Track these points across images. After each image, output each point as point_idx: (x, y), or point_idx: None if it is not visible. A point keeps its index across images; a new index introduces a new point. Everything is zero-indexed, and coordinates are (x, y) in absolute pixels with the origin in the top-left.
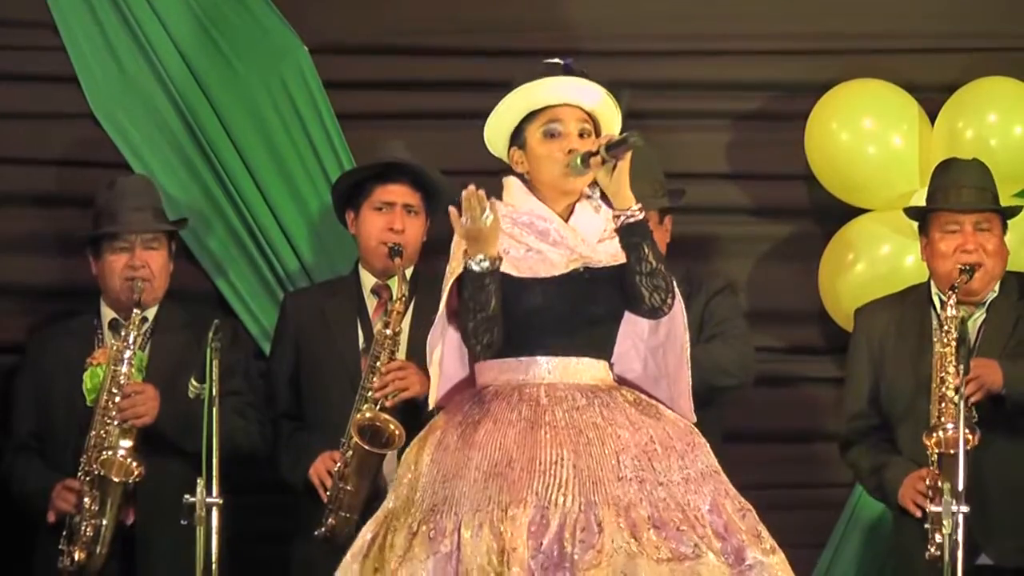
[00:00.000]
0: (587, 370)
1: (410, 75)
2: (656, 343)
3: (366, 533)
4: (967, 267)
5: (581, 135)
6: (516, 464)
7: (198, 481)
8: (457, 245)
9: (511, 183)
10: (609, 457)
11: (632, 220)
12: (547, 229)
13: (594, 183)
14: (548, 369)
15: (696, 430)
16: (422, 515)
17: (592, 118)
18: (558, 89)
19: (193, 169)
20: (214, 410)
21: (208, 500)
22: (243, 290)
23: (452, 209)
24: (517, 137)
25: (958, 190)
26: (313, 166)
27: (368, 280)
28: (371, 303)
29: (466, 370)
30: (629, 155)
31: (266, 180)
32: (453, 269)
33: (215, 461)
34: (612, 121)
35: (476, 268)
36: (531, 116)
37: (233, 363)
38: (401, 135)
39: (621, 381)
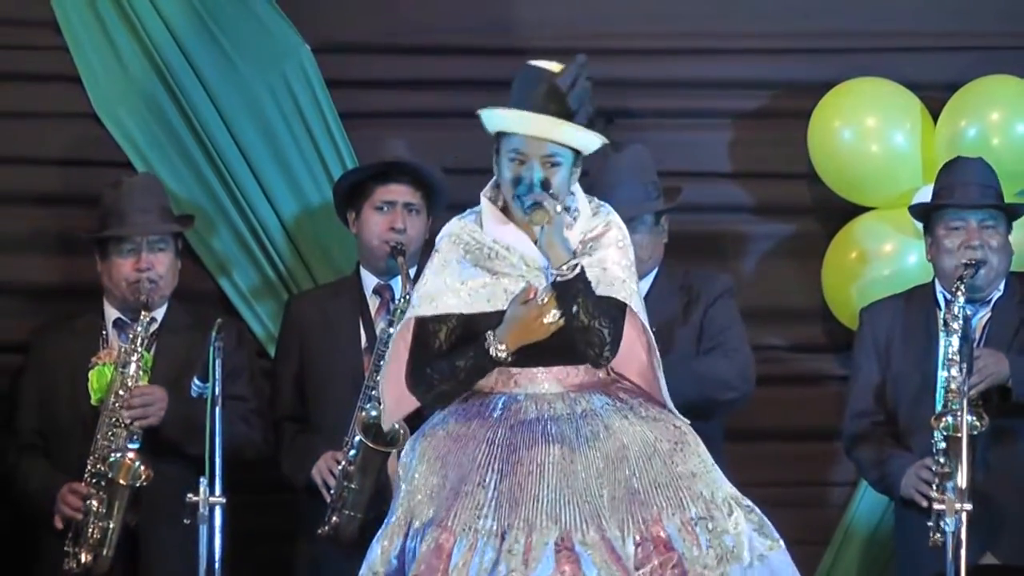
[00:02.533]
0: (570, 375)
1: (412, 74)
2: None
3: (383, 541)
4: (972, 262)
5: (547, 164)
6: (517, 489)
7: (201, 480)
8: (439, 263)
9: (484, 204)
10: (607, 471)
11: (561, 279)
12: (511, 258)
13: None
14: (528, 378)
15: (687, 427)
16: (497, 526)
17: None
18: (525, 122)
19: (196, 168)
20: (217, 409)
21: (211, 499)
22: (246, 290)
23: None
24: (497, 141)
25: (963, 188)
26: (316, 165)
27: (370, 280)
28: (373, 303)
29: None
30: (553, 220)
31: (269, 179)
32: (431, 295)
33: (218, 460)
34: (585, 142)
35: (497, 355)
36: (500, 133)
37: (237, 365)
38: (403, 134)
39: (620, 376)
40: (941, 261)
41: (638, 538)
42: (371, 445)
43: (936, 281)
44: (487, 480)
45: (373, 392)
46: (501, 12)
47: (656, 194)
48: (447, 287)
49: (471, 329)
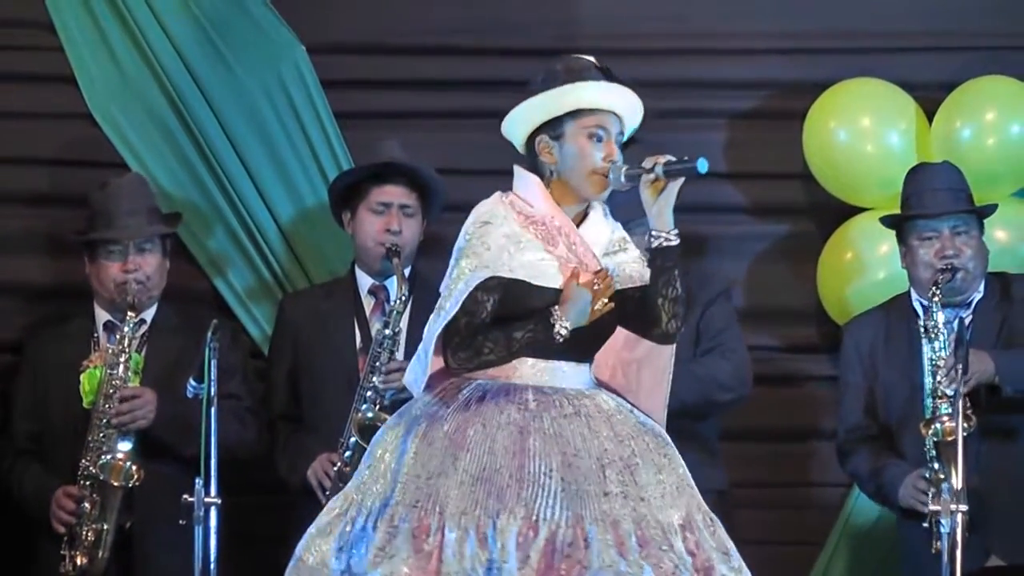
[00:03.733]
0: (573, 375)
1: (408, 74)
2: (630, 357)
3: (333, 507)
4: (948, 267)
5: (618, 144)
6: (504, 471)
7: (196, 481)
8: (487, 236)
9: (531, 181)
10: (596, 471)
11: (668, 243)
12: (560, 237)
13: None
14: (535, 370)
15: (669, 441)
16: (404, 510)
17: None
18: (611, 96)
19: (191, 169)
20: (212, 410)
21: (206, 500)
22: (241, 290)
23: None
24: (553, 128)
25: (932, 194)
26: (311, 165)
27: (365, 281)
28: (368, 304)
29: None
30: (681, 179)
31: (264, 180)
32: (474, 269)
33: (213, 461)
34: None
35: (562, 332)
36: (576, 113)
37: (232, 365)
38: (398, 134)
39: (599, 382)
40: (916, 271)
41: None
42: (366, 446)
43: (912, 290)
44: (552, 467)
45: (368, 393)
46: (497, 13)
47: None
48: (503, 258)
49: (511, 304)
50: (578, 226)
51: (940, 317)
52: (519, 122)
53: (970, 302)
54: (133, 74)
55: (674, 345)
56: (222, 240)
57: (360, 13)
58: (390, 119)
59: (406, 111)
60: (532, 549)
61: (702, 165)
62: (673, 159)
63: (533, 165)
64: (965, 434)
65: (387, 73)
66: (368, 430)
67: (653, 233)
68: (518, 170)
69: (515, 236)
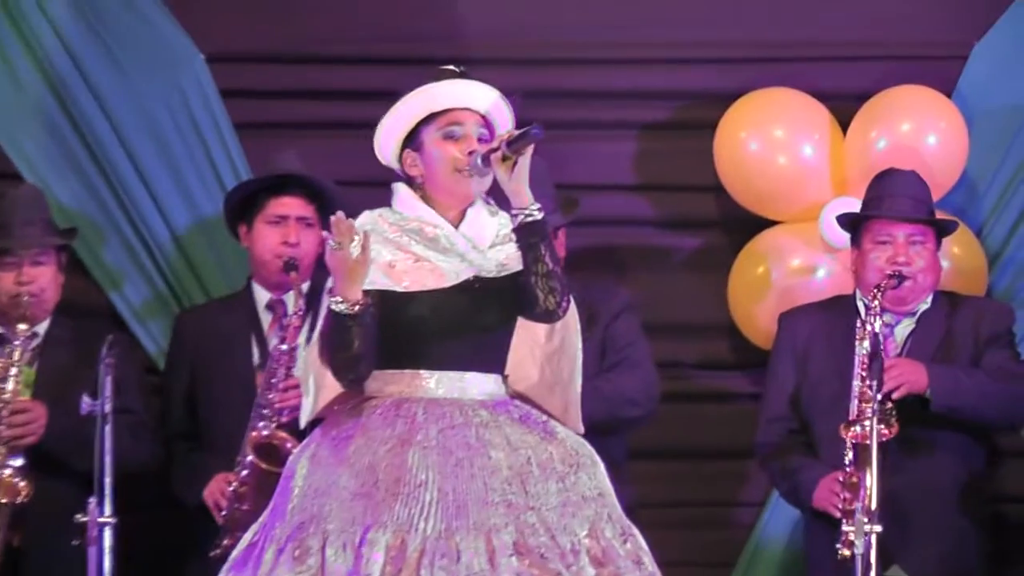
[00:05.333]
0: (476, 385)
1: (307, 84)
2: (551, 349)
3: (248, 537)
4: (896, 273)
5: (480, 140)
6: (382, 485)
7: (90, 500)
8: None
9: (400, 189)
10: (477, 480)
11: (531, 219)
12: (436, 236)
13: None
14: (433, 383)
15: (586, 450)
16: (290, 530)
17: (488, 124)
18: (458, 92)
19: (86, 179)
20: (107, 427)
21: (100, 519)
22: (137, 304)
23: (324, 233)
24: (412, 139)
25: (892, 200)
26: (209, 176)
27: (262, 295)
28: (266, 319)
29: None
30: (530, 151)
31: (161, 190)
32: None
33: (107, 479)
34: (507, 128)
35: (335, 308)
36: (429, 119)
37: (126, 379)
38: (298, 144)
39: (516, 393)
40: (865, 274)
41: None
42: (263, 465)
43: (857, 291)
44: (427, 480)
45: (265, 411)
46: (396, 22)
47: (552, 207)
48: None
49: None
50: (458, 226)
51: (876, 323)
52: (382, 146)
53: (915, 312)
54: (28, 83)
55: (577, 329)
56: (118, 252)
57: (259, 22)
58: (289, 129)
59: (305, 121)
60: (402, 562)
61: (535, 129)
62: (516, 133)
63: (410, 183)
64: (883, 440)
65: (287, 83)
66: (264, 449)
67: (513, 211)
68: (393, 187)
69: (376, 248)
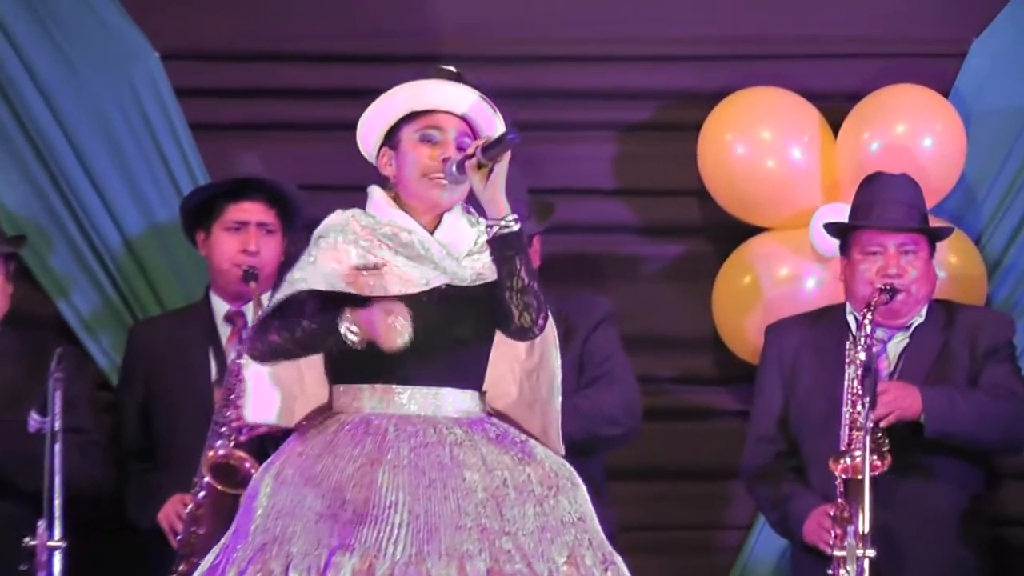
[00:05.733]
0: (450, 401)
1: (268, 83)
2: (531, 366)
3: (210, 559)
4: (888, 287)
5: (460, 148)
6: (349, 507)
7: (39, 523)
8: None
9: (374, 193)
10: (450, 501)
11: (506, 231)
12: (410, 241)
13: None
14: (406, 399)
15: (566, 471)
16: (252, 552)
17: (474, 131)
18: (445, 94)
19: (34, 183)
20: (56, 446)
21: (50, 543)
22: (87, 315)
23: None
24: (391, 136)
25: (883, 206)
26: (164, 179)
27: (221, 306)
28: (224, 331)
29: (326, 393)
30: (507, 158)
31: (113, 194)
32: (295, 280)
33: (57, 501)
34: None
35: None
36: (410, 117)
37: (76, 395)
38: (257, 146)
39: (494, 411)
40: (855, 286)
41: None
42: (219, 487)
43: (848, 304)
44: (397, 501)
45: (223, 429)
46: (360, 19)
47: (526, 212)
48: (320, 272)
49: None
50: (433, 231)
51: (861, 348)
52: (363, 138)
53: (909, 326)
54: None
55: (555, 345)
56: (67, 260)
57: (217, 18)
58: (248, 130)
59: (265, 122)
60: None
61: (511, 135)
62: (492, 138)
63: (384, 185)
64: (876, 474)
65: (246, 81)
66: (221, 469)
67: (489, 222)
68: (368, 190)
69: (342, 248)
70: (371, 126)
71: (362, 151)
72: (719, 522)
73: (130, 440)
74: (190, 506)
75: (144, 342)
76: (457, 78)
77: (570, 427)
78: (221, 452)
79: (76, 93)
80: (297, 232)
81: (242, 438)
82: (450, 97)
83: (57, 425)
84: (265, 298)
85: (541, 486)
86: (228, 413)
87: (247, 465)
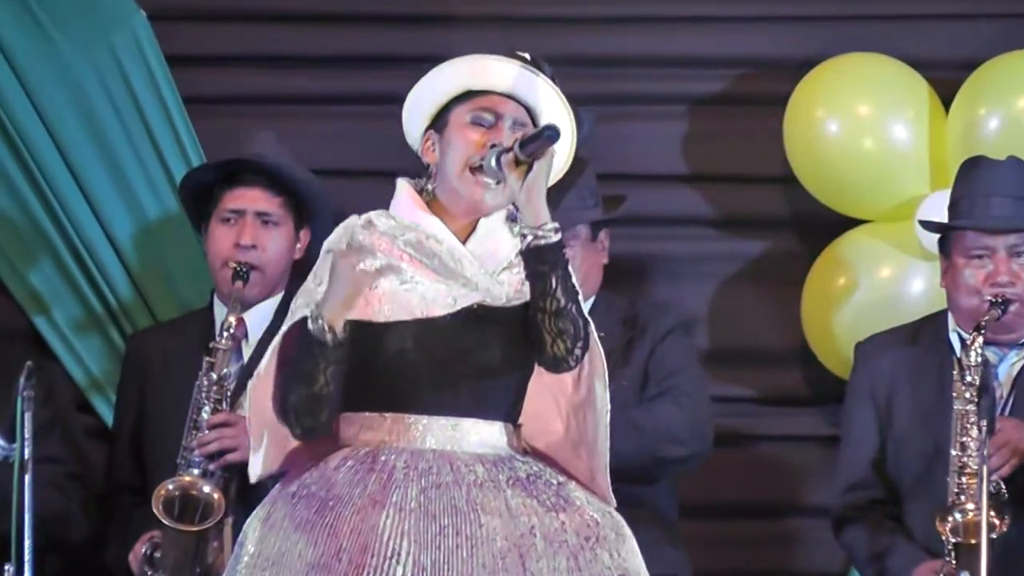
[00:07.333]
0: (473, 434)
1: (277, 48)
2: (578, 400)
3: None
4: (999, 300)
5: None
6: (345, 555)
7: (6, 567)
8: (324, 267)
9: (401, 188)
10: (462, 551)
11: (542, 242)
12: (438, 251)
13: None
14: (420, 431)
15: (611, 520)
16: None
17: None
18: (507, 74)
19: (3, 173)
20: (27, 477)
21: None
22: (65, 325)
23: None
24: (440, 117)
25: (986, 200)
26: (154, 166)
27: (222, 313)
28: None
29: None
30: (549, 156)
31: (94, 184)
32: (296, 308)
33: (27, 543)
34: (563, 142)
35: (311, 326)
36: (465, 97)
37: (49, 420)
38: (269, 124)
39: (533, 450)
40: (958, 296)
41: None
42: (169, 523)
43: (950, 315)
44: (400, 550)
45: (194, 455)
46: None
47: (593, 201)
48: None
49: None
50: (466, 240)
51: (977, 367)
52: (408, 119)
53: (1023, 343)
54: None
55: (604, 378)
56: (42, 264)
57: None
58: (256, 105)
59: (277, 95)
60: None
61: (551, 130)
62: (529, 132)
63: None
64: (994, 535)
65: (250, 47)
66: (177, 503)
67: (524, 230)
68: (397, 182)
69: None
70: (419, 104)
71: (406, 133)
72: (810, 566)
73: (123, 470)
74: (145, 548)
75: (139, 355)
76: (534, 66)
77: (626, 445)
78: (169, 486)
79: (51, 65)
80: (323, 225)
81: (211, 467)
82: (517, 80)
83: (27, 453)
84: (256, 310)
85: (577, 536)
86: (193, 439)
87: (207, 492)
